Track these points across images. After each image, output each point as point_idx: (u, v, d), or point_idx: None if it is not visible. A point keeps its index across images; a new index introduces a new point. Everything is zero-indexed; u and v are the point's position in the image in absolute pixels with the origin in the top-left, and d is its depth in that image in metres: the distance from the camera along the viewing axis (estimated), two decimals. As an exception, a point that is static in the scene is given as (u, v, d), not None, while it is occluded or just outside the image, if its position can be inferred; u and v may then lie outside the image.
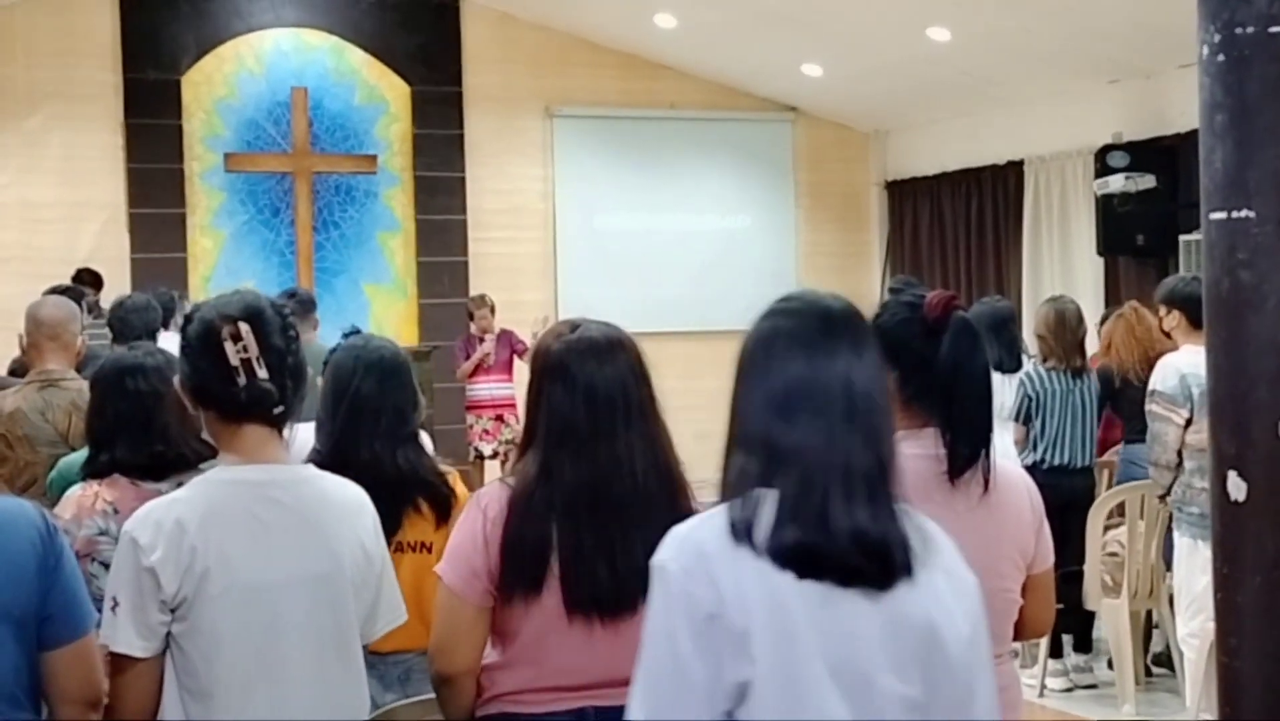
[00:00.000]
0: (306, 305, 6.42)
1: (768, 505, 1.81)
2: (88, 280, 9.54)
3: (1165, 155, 9.62)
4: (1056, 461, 6.40)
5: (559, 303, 11.83)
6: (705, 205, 12.66)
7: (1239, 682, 1.79)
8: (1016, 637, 2.79)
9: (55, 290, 6.45)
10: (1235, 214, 1.76)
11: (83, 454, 3.41)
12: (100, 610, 2.45)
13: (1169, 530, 5.66)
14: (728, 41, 11.37)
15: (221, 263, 11.37)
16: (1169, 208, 9.59)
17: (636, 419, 2.67)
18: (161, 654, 2.42)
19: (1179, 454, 5.22)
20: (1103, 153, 9.92)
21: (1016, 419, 6.46)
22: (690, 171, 12.56)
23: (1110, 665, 6.44)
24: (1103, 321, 7.13)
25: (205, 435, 2.56)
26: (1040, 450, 6.42)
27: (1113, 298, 9.91)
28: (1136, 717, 6.03)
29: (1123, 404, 6.55)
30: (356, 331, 3.70)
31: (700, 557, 1.79)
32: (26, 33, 10.87)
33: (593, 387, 2.64)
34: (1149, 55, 9.41)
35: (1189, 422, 5.15)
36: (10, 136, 10.88)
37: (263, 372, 2.44)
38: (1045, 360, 6.56)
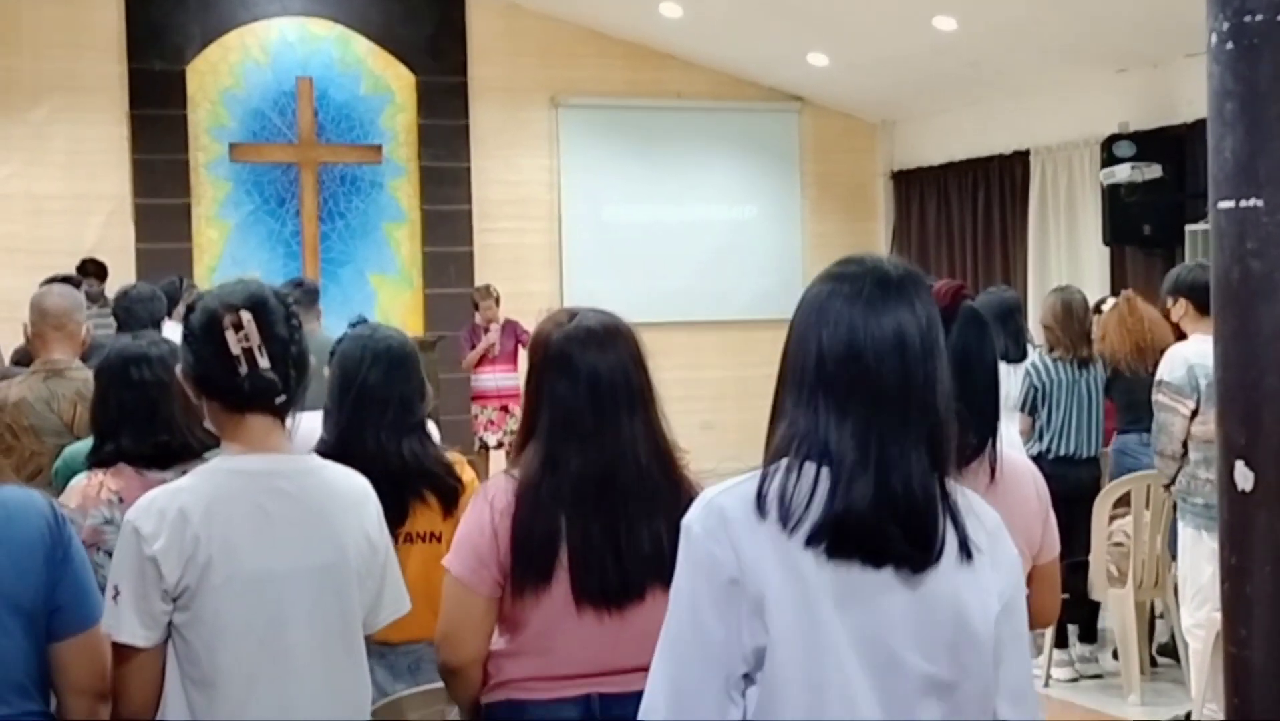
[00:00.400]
0: (311, 295, 6.42)
1: (805, 480, 1.79)
2: (92, 270, 9.56)
3: (1172, 145, 9.59)
4: (1062, 451, 6.40)
5: (564, 293, 11.82)
6: (711, 195, 12.65)
7: (1248, 672, 1.79)
8: (1023, 627, 2.78)
9: (54, 280, 6.46)
10: (1244, 203, 1.75)
11: (88, 443, 3.41)
12: None
13: (1174, 520, 5.65)
14: (734, 31, 11.35)
15: (227, 253, 11.38)
16: (1176, 197, 9.57)
17: (638, 406, 2.67)
18: (164, 643, 2.41)
19: (1184, 444, 5.21)
20: (1109, 142, 9.90)
21: (1022, 408, 6.46)
22: (696, 162, 12.55)
23: (1115, 655, 6.43)
24: (1097, 312, 7.13)
25: (209, 424, 2.55)
26: (1046, 440, 6.43)
27: (1119, 287, 9.87)
28: (1141, 707, 6.03)
29: (1114, 394, 6.57)
30: (363, 321, 3.69)
31: (723, 522, 1.79)
32: (32, 24, 10.88)
33: (595, 376, 2.64)
34: (1156, 44, 9.39)
35: (1195, 413, 5.14)
36: (16, 128, 10.89)
37: (265, 362, 2.43)
38: (1051, 350, 6.56)
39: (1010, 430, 6.08)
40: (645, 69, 12.35)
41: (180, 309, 6.57)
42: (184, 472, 2.59)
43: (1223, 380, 1.82)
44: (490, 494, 2.68)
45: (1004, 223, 11.71)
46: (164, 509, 2.39)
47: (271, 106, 11.49)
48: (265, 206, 11.52)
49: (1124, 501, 6.18)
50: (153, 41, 11.06)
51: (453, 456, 3.56)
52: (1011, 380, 6.32)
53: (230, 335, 2.42)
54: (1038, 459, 6.13)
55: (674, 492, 2.60)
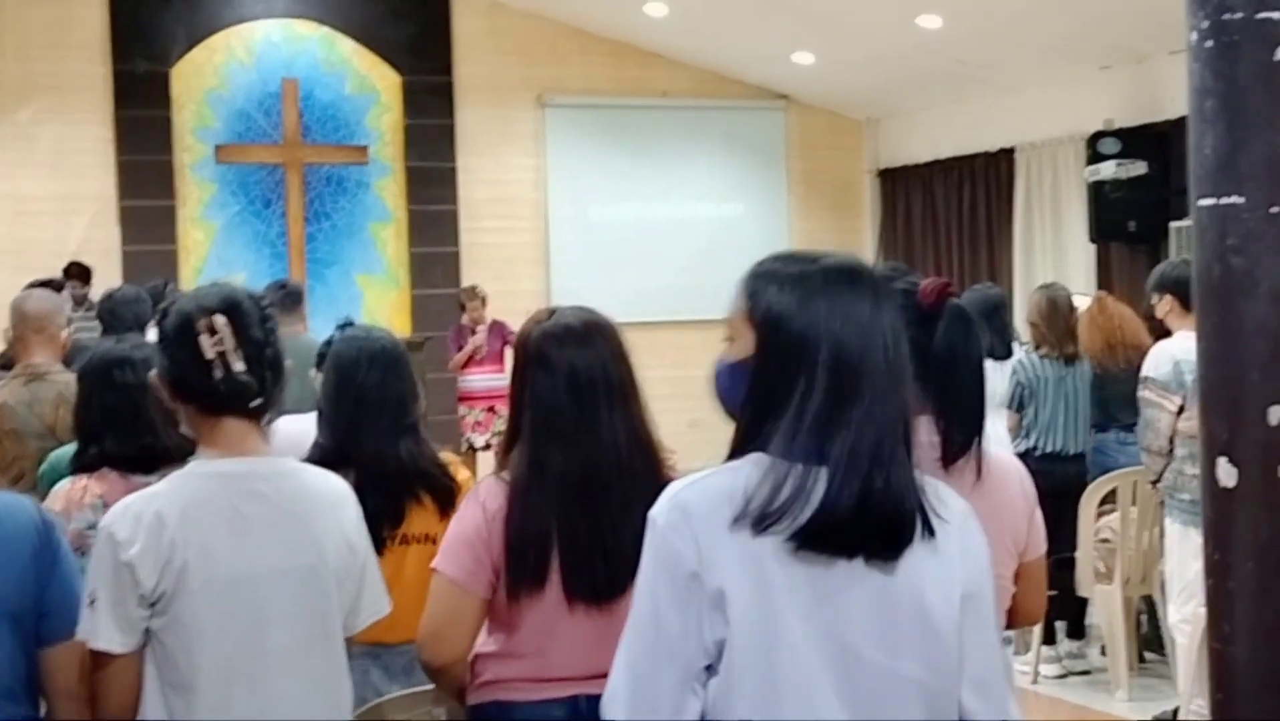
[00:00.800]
0: (295, 297, 6.38)
1: (794, 478, 1.79)
2: (76, 273, 9.54)
3: (1157, 141, 9.62)
4: (1049, 448, 6.42)
5: (551, 292, 11.81)
6: (698, 194, 12.66)
7: (1231, 668, 1.79)
8: (1009, 625, 2.79)
9: (36, 284, 6.45)
10: (1225, 199, 1.75)
11: (72, 447, 3.40)
12: None
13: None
14: (718, 29, 11.36)
15: (213, 254, 11.35)
16: (1160, 194, 9.59)
17: (619, 401, 2.68)
18: (142, 648, 2.40)
19: (1171, 440, 5.22)
20: (1094, 139, 9.92)
21: (1010, 406, 6.47)
22: (682, 160, 12.55)
23: (1103, 651, 6.45)
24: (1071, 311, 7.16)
25: (184, 429, 2.53)
26: (1033, 437, 6.44)
27: (1104, 284, 9.91)
28: (1129, 703, 6.04)
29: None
30: (350, 323, 3.68)
31: (686, 516, 1.80)
32: (16, 25, 10.84)
33: (574, 372, 2.65)
34: (1140, 41, 9.41)
35: (1181, 409, 5.15)
36: (1, 129, 10.85)
37: (240, 365, 2.42)
38: (1038, 347, 6.57)
39: (997, 427, 6.09)
40: (630, 67, 12.35)
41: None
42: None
43: (1205, 376, 1.83)
44: (482, 496, 2.69)
45: (990, 220, 11.73)
46: (139, 514, 2.38)
47: (257, 107, 11.47)
48: (251, 207, 11.50)
49: (1111, 498, 6.19)
50: (137, 43, 11.03)
51: (446, 456, 3.55)
52: (998, 377, 6.34)
53: (205, 338, 2.41)
54: (1025, 456, 6.14)
55: (657, 487, 2.60)
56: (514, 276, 11.73)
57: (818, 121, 13.05)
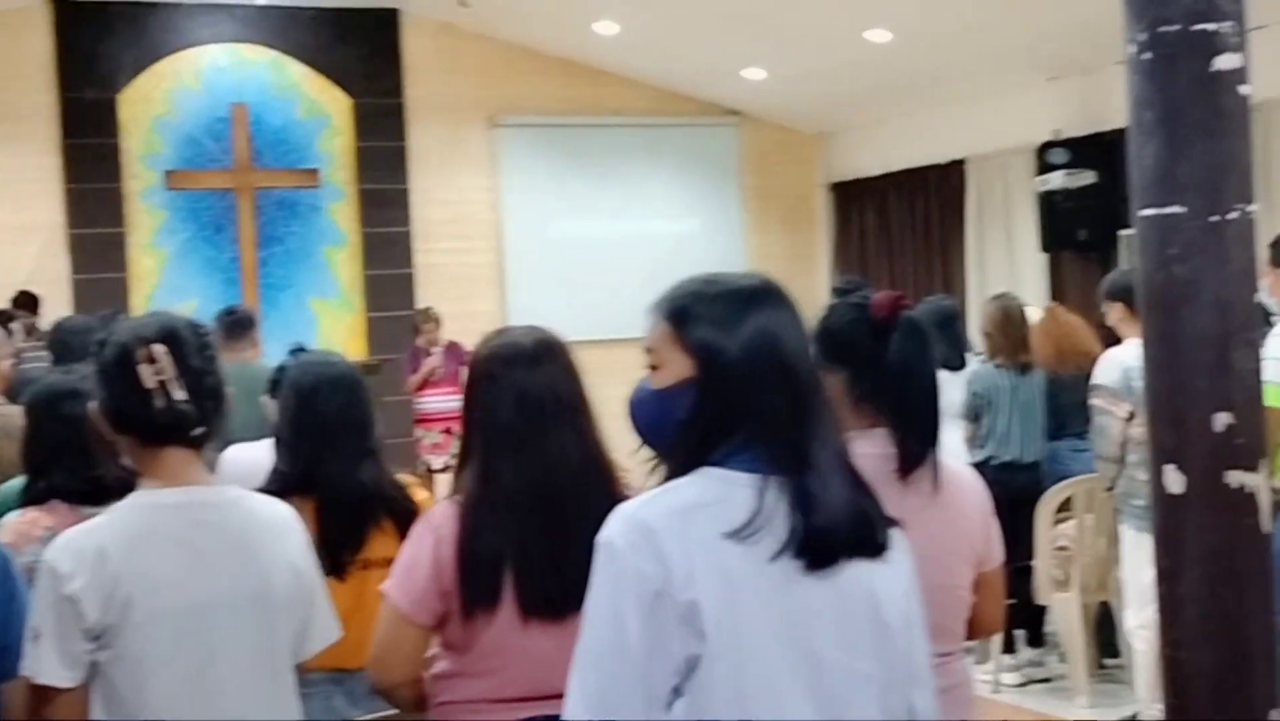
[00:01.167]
0: (244, 323, 6.32)
1: (770, 494, 1.81)
2: (24, 303, 9.45)
3: (1105, 150, 9.70)
4: (1005, 458, 6.45)
5: (508, 312, 11.80)
6: (652, 211, 12.68)
7: (1183, 673, 1.81)
8: (969, 636, 2.80)
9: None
10: (1166, 209, 1.77)
11: (22, 480, 3.37)
12: None
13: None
14: (669, 47, 11.39)
15: (164, 281, 11.28)
16: (1110, 203, 9.67)
17: (569, 417, 2.68)
18: (89, 682, 2.38)
19: (1122, 447, 5.26)
20: (1043, 150, 10.01)
21: (965, 416, 6.50)
22: (636, 177, 12.58)
23: (1063, 658, 6.48)
24: None
25: (125, 460, 2.51)
26: (989, 447, 6.47)
27: (1057, 293, 9.99)
28: (1089, 709, 6.07)
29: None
30: (303, 349, 3.67)
31: (648, 534, 1.78)
32: (-40, 54, 10.76)
33: (523, 391, 2.65)
34: (1087, 52, 9.49)
35: (1131, 415, 5.19)
36: (-54, 160, 10.77)
37: (180, 394, 2.40)
38: (992, 357, 6.60)
39: (953, 438, 6.11)
40: (582, 86, 12.36)
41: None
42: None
43: (1151, 384, 1.85)
44: (434, 520, 2.68)
45: (942, 231, 11.80)
46: (81, 547, 2.36)
47: (206, 133, 11.41)
48: (202, 233, 11.43)
49: (1067, 506, 6.23)
50: (85, 70, 10.95)
51: (405, 479, 3.55)
52: (952, 388, 6.36)
53: (144, 368, 2.39)
54: (981, 465, 6.17)
55: (611, 503, 2.60)
56: (470, 297, 11.71)
57: (770, 136, 13.10)
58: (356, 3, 11.60)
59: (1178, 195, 1.76)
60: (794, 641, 1.80)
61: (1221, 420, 1.75)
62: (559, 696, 2.57)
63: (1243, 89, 1.76)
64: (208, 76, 11.42)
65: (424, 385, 10.08)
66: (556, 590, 2.58)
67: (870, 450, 2.56)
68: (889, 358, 2.58)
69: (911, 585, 1.95)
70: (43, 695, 2.37)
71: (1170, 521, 1.80)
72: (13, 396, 4.33)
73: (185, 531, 2.43)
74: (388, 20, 11.84)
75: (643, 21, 10.98)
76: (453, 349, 10.04)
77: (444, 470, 9.93)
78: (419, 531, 2.71)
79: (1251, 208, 1.77)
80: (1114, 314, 5.57)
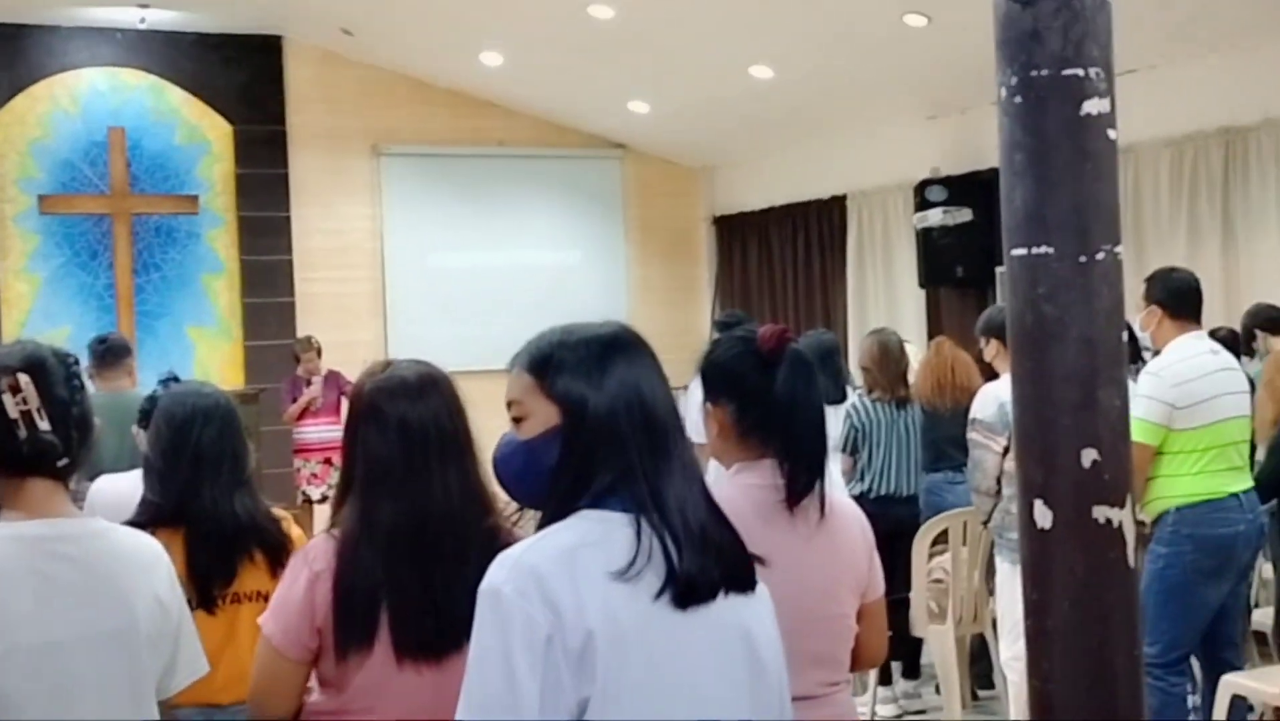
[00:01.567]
0: (117, 351, 6.19)
1: (645, 537, 1.82)
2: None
3: (981, 189, 9.85)
4: (883, 490, 6.52)
5: (389, 342, 11.72)
6: (536, 242, 12.68)
7: (1052, 705, 1.83)
8: (853, 667, 2.82)
9: None
10: (1035, 250, 1.81)
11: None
12: None
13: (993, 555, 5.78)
14: (554, 79, 11.41)
15: (37, 307, 11.03)
16: (986, 240, 9.83)
17: (452, 454, 2.65)
18: None
19: (998, 480, 5.34)
20: (921, 187, 10.16)
21: (844, 449, 6.56)
22: (520, 208, 12.57)
23: (939, 690, 6.55)
24: None
25: None
26: (867, 480, 6.54)
27: (935, 328, 10.13)
28: (966, 740, 6.14)
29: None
30: (175, 378, 3.62)
31: (537, 579, 1.77)
32: None
33: (406, 425, 2.62)
34: (963, 93, 9.68)
35: (1007, 450, 5.27)
36: None
37: (45, 425, 2.35)
38: (870, 391, 6.68)
39: (832, 470, 6.16)
40: (467, 116, 12.34)
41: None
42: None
43: (1020, 420, 1.88)
44: (310, 555, 2.64)
45: (823, 266, 11.93)
46: None
47: (82, 157, 11.21)
48: (77, 259, 11.21)
49: (943, 538, 6.31)
50: (-45, 91, 10.72)
51: (278, 512, 3.50)
52: (832, 421, 6.42)
53: (7, 398, 2.33)
54: (860, 498, 6.23)
55: (490, 540, 2.58)
56: (351, 326, 11.61)
57: (654, 170, 13.18)
58: (239, 29, 11.48)
59: (1046, 235, 1.80)
60: (679, 679, 1.81)
61: (1088, 456, 1.78)
62: (434, 733, 2.56)
63: (1111, 133, 1.80)
64: (85, 100, 11.23)
65: (303, 415, 9.96)
66: (433, 631, 2.55)
67: (757, 481, 2.60)
68: (776, 390, 2.61)
69: (775, 624, 1.97)
70: None
71: (1038, 555, 1.83)
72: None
73: (45, 565, 2.36)
74: (271, 47, 11.73)
75: (528, 53, 11.00)
76: (332, 378, 9.94)
77: (323, 500, 9.80)
78: (295, 565, 2.66)
79: (1118, 249, 1.81)
80: (990, 350, 5.66)
